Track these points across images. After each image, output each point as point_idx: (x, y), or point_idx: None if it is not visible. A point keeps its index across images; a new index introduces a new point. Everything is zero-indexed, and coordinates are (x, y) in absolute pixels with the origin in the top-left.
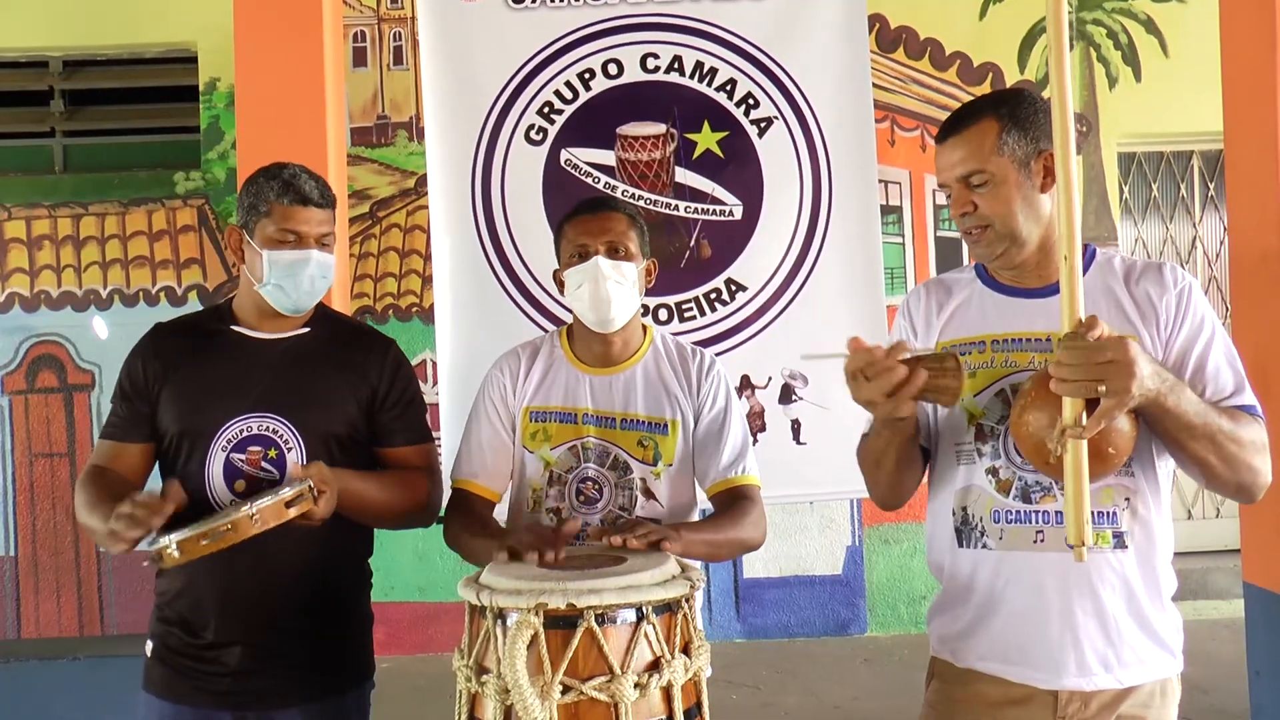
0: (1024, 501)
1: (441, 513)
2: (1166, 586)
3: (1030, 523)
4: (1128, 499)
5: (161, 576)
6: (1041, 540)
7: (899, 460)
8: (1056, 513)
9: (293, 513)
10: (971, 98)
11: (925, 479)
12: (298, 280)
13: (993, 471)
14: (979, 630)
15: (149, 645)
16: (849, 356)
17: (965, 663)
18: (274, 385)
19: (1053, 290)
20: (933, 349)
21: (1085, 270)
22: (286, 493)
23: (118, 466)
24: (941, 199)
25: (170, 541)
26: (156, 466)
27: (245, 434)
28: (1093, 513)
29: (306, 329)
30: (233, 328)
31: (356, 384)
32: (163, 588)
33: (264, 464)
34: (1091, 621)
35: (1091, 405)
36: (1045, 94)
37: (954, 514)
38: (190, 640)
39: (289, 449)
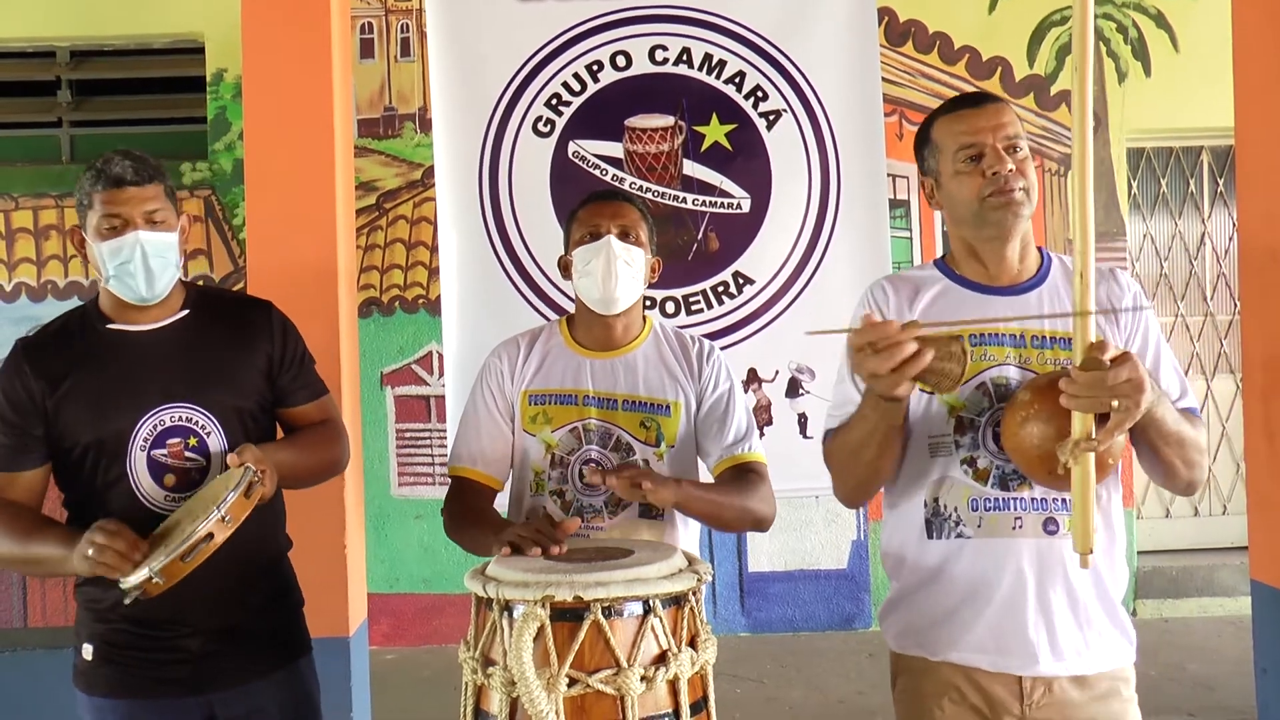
0: (1001, 489)
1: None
2: (1122, 575)
3: (1009, 509)
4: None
5: (91, 585)
6: (1020, 526)
7: (880, 448)
8: (1033, 499)
9: (254, 500)
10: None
11: None
12: (131, 265)
13: (969, 461)
14: (953, 620)
15: (87, 649)
16: (859, 329)
17: (939, 655)
18: (175, 374)
19: (1021, 289)
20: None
21: (1046, 275)
22: (239, 485)
23: (12, 497)
24: None
25: (151, 572)
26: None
27: (161, 428)
28: (1065, 499)
29: (185, 311)
30: (108, 327)
31: (252, 353)
32: (94, 594)
33: (188, 454)
34: (1065, 606)
35: (1099, 418)
36: (1055, 89)
37: (924, 505)
38: (142, 633)
39: (208, 434)
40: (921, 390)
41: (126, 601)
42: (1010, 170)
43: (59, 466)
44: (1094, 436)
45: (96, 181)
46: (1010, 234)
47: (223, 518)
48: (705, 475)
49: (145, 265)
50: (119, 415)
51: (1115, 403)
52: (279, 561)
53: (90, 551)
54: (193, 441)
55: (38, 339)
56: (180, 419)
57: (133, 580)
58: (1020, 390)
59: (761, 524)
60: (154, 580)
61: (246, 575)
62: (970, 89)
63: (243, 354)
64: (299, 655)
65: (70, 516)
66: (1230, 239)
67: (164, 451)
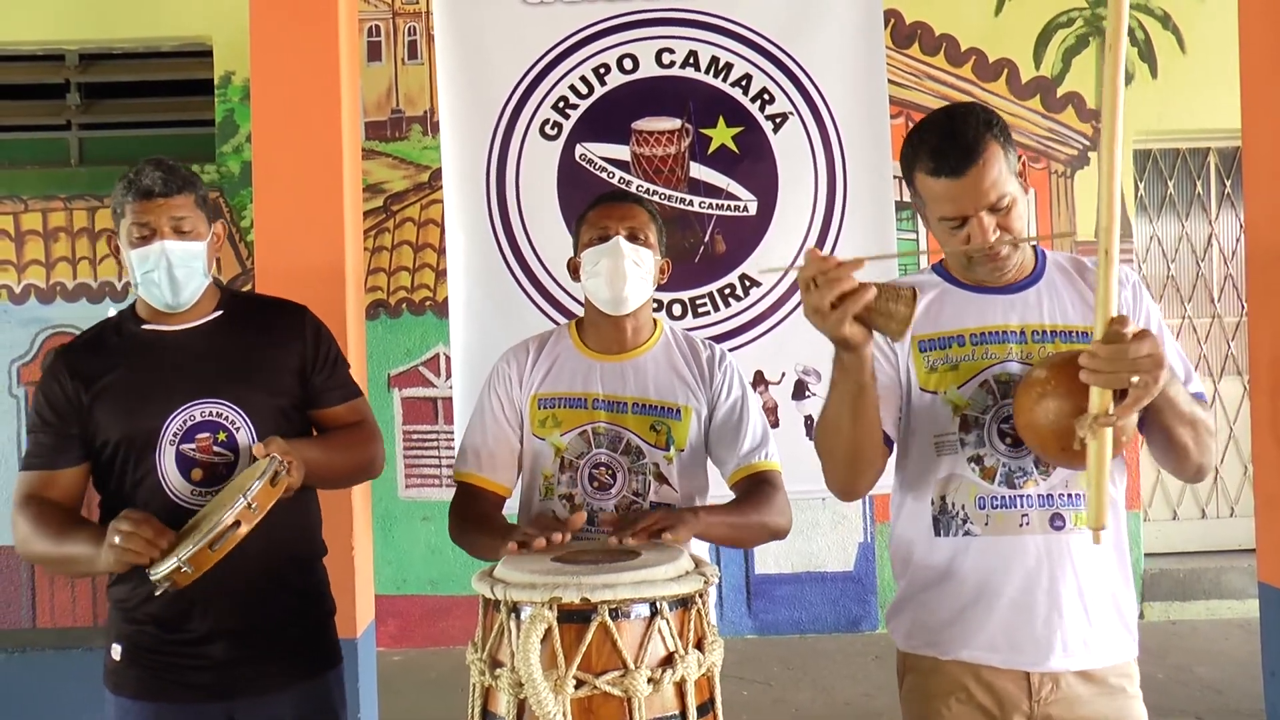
0: (1008, 487)
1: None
2: (1125, 566)
3: (1016, 507)
4: None
5: (121, 585)
6: (1027, 523)
7: (853, 415)
8: (1039, 496)
9: (280, 489)
10: (977, 96)
11: (894, 476)
12: (156, 274)
13: (976, 459)
14: (963, 619)
15: (116, 649)
16: (804, 264)
17: (949, 654)
18: (208, 370)
19: (1018, 288)
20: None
21: (1043, 273)
22: (264, 473)
23: (52, 496)
24: None
25: (179, 561)
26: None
27: (191, 423)
28: (1071, 495)
29: (219, 312)
30: (143, 328)
31: (285, 354)
32: (123, 594)
33: (216, 448)
34: (1074, 600)
35: (1117, 395)
36: (1061, 91)
37: (931, 504)
38: (168, 637)
39: (237, 429)
40: (878, 332)
41: (157, 593)
42: (995, 236)
43: (94, 467)
44: (1112, 412)
45: (128, 191)
46: (1010, 264)
47: (249, 505)
48: (716, 480)
49: (170, 274)
50: (149, 411)
51: (1135, 378)
52: (311, 565)
53: (116, 539)
54: (221, 436)
55: (75, 344)
56: (210, 414)
57: (162, 570)
58: (1035, 368)
59: (778, 535)
60: (182, 569)
61: (275, 575)
62: (977, 91)
63: (275, 352)
64: (327, 668)
65: (101, 518)
66: (1237, 240)
67: (192, 446)
